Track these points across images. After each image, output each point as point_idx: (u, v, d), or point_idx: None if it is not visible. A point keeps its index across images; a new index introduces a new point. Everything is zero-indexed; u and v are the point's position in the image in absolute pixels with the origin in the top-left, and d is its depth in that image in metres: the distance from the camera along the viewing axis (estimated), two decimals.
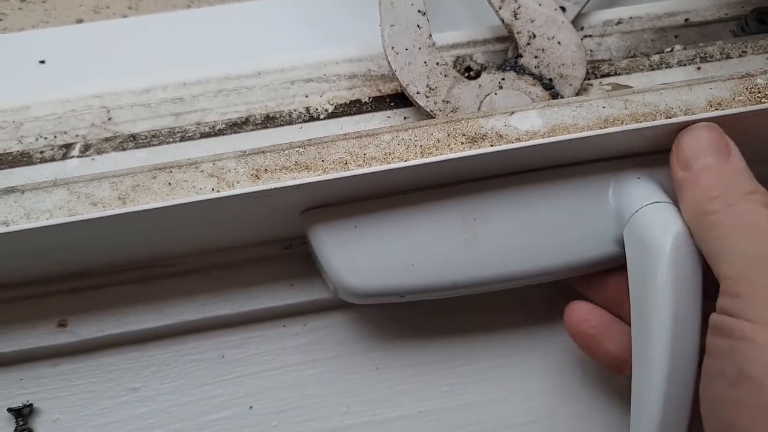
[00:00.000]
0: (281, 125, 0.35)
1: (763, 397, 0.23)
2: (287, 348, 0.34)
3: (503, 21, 0.35)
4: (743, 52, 0.36)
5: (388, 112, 0.35)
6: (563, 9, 0.36)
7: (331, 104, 0.36)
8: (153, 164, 0.28)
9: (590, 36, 0.37)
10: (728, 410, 0.24)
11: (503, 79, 0.34)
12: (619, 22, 0.38)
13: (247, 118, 0.35)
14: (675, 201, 0.28)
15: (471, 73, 0.36)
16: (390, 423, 0.33)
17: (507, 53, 0.36)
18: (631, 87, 0.35)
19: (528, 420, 0.33)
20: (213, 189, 0.28)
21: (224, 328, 0.34)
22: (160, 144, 0.34)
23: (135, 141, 0.35)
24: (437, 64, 0.34)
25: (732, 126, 0.28)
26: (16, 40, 0.39)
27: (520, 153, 0.29)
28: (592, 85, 0.36)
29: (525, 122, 0.29)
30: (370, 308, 0.34)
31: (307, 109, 0.35)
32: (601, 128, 0.28)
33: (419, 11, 0.34)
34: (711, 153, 0.28)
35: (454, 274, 0.30)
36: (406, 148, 0.28)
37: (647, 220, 0.28)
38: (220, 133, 0.35)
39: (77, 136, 0.35)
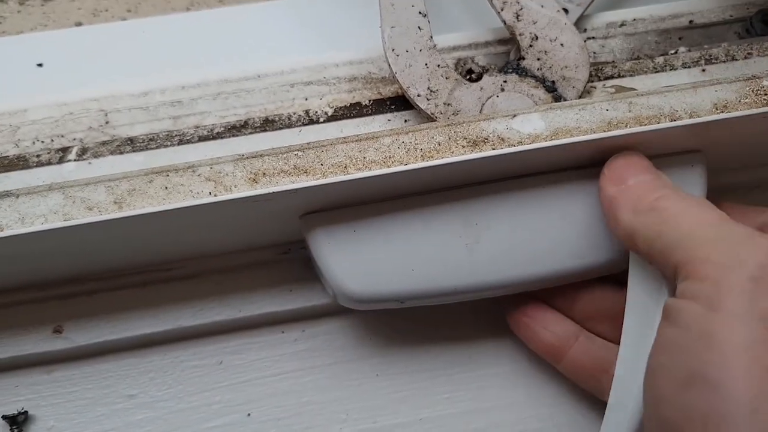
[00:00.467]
0: (280, 128, 0.35)
1: (717, 405, 0.20)
2: (285, 354, 0.33)
3: (505, 23, 0.35)
4: (748, 53, 0.36)
5: (389, 115, 0.35)
6: (566, 11, 0.35)
7: (331, 107, 0.35)
8: (149, 168, 0.28)
9: (593, 38, 0.37)
10: (674, 414, 0.21)
11: (505, 81, 0.34)
12: (622, 24, 0.37)
13: (246, 122, 0.35)
14: None
15: (472, 75, 0.36)
16: (389, 430, 0.32)
17: (509, 55, 0.36)
18: (635, 89, 0.35)
19: (531, 428, 0.32)
20: (210, 193, 0.27)
21: (222, 333, 0.33)
22: (157, 147, 0.34)
23: (132, 144, 0.34)
24: (438, 66, 0.33)
25: (738, 128, 0.28)
26: (14, 43, 0.39)
27: (522, 156, 0.28)
28: (595, 87, 0.35)
29: (527, 125, 0.28)
30: (369, 314, 0.34)
31: (307, 112, 0.35)
32: (604, 131, 0.28)
33: (420, 13, 0.34)
34: (646, 172, 0.28)
35: (455, 279, 0.30)
36: (407, 152, 0.28)
37: None
38: (219, 136, 0.34)
39: (74, 139, 0.34)
